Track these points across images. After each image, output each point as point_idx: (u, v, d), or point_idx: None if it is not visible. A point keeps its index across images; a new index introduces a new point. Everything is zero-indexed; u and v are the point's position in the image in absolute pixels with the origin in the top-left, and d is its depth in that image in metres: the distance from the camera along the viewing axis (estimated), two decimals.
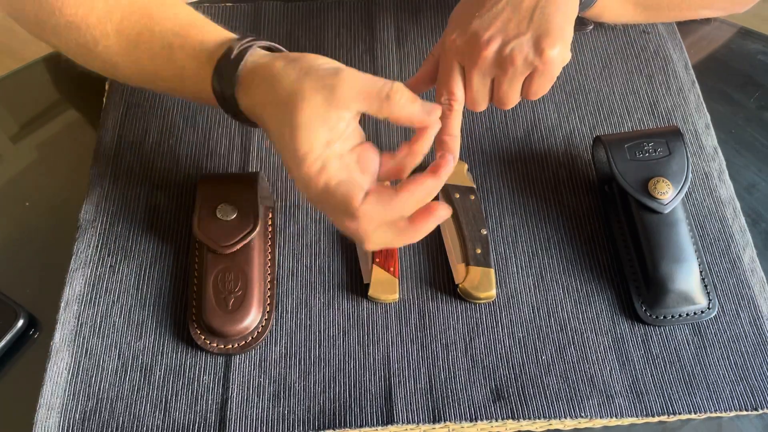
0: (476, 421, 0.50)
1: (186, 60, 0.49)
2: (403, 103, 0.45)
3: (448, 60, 0.52)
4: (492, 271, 0.55)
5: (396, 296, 0.54)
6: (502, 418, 0.50)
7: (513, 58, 0.49)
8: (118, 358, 0.52)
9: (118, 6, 0.50)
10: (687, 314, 0.53)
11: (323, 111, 0.44)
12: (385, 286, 0.54)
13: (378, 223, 0.45)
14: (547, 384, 0.51)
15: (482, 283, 0.54)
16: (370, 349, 0.53)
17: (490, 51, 0.50)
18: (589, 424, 0.51)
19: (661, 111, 0.65)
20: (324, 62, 0.46)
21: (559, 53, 0.49)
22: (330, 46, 0.69)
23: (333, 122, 0.44)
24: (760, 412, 0.50)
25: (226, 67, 0.47)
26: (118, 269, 0.56)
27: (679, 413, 0.50)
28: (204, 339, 0.52)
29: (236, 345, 0.52)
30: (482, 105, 0.53)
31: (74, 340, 0.53)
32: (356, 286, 0.55)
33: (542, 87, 0.51)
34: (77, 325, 0.54)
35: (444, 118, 0.53)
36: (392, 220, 0.45)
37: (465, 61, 0.51)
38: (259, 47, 0.48)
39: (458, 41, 0.51)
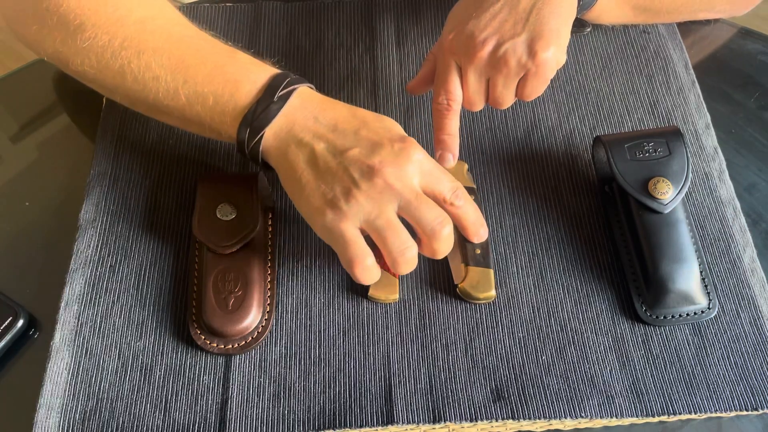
0: (476, 421, 0.50)
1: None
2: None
3: (446, 59, 0.52)
4: (491, 271, 0.55)
5: (396, 296, 0.54)
6: (502, 418, 0.50)
7: (507, 60, 0.49)
8: (118, 358, 0.52)
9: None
10: (687, 314, 0.53)
11: None
12: (385, 286, 0.54)
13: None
14: (547, 384, 0.51)
15: (482, 283, 0.54)
16: (370, 349, 0.53)
17: (485, 51, 0.50)
18: (590, 424, 0.51)
19: (661, 111, 0.65)
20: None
21: (553, 56, 0.49)
22: (330, 46, 0.69)
23: None
24: (761, 412, 0.50)
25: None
26: (118, 269, 0.56)
27: (680, 413, 0.50)
28: (204, 339, 0.52)
29: (236, 345, 0.52)
30: (479, 105, 0.54)
31: (74, 340, 0.53)
32: (356, 286, 0.55)
33: (536, 89, 0.51)
34: (77, 325, 0.54)
35: (442, 117, 0.53)
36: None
37: (461, 60, 0.51)
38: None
39: (455, 41, 0.51)
